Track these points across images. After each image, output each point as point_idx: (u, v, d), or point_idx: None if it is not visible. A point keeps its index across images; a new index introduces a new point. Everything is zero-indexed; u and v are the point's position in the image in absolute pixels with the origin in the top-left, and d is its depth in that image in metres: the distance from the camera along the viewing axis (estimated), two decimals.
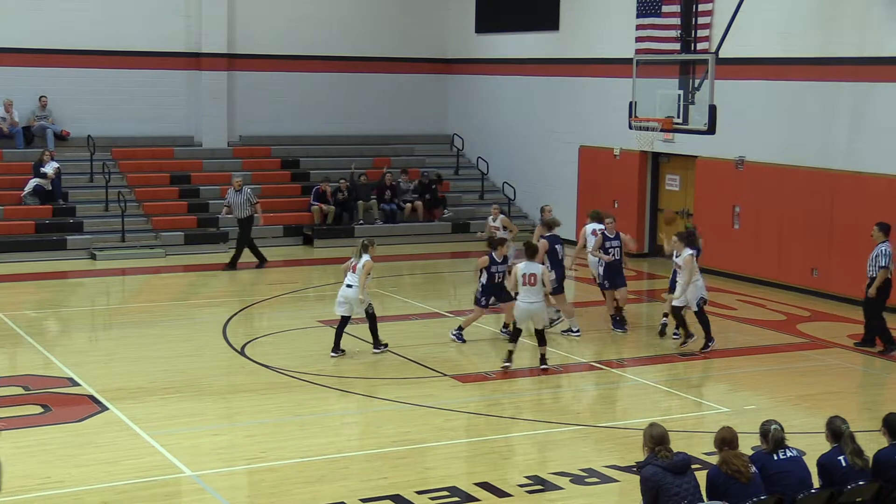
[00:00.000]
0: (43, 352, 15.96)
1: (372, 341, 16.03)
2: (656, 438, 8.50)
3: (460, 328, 16.88)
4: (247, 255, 22.83)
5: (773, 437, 8.84)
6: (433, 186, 27.47)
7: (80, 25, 26.46)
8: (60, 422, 12.72)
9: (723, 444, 8.65)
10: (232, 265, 22.73)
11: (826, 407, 13.27)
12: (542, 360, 15.22)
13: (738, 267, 22.15)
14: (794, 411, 13.58)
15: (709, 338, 16.32)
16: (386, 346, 16.18)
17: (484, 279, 16.51)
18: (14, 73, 25.93)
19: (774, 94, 21.51)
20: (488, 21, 29.20)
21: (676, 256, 16.26)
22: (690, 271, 16.04)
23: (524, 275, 14.89)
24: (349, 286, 15.76)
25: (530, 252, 15.19)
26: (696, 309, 16.28)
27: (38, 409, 13.22)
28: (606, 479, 11.18)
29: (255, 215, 22.85)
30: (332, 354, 15.76)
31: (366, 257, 15.73)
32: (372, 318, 15.99)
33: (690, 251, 16.04)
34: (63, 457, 11.53)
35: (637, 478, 8.75)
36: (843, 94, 20.23)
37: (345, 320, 15.94)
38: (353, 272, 15.74)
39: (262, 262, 22.99)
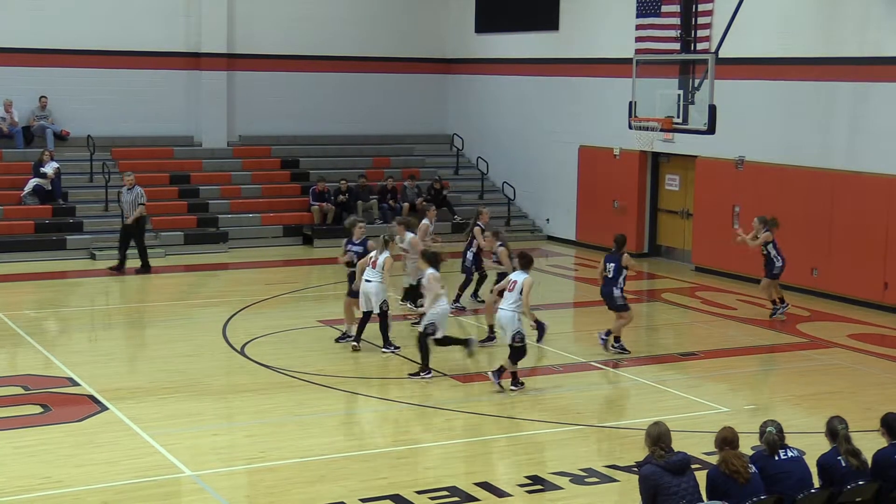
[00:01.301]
0: (43, 352, 15.95)
1: (382, 341, 15.99)
2: (653, 437, 8.50)
3: (617, 339, 16.23)
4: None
5: (766, 440, 8.84)
6: (443, 193, 27.39)
7: (80, 25, 26.45)
8: (60, 422, 12.71)
9: (724, 444, 8.64)
10: (119, 268, 22.01)
11: (826, 407, 13.27)
12: (514, 379, 14.23)
13: (738, 267, 22.14)
14: (794, 411, 13.58)
15: (424, 369, 14.73)
16: (397, 348, 16.03)
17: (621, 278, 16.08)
18: (14, 73, 25.93)
19: (774, 94, 21.51)
20: (488, 21, 29.19)
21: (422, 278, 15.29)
22: (433, 293, 14.67)
23: (511, 281, 14.23)
24: (368, 281, 15.73)
25: (524, 262, 14.38)
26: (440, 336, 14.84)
27: (38, 409, 13.21)
28: (606, 479, 11.18)
29: (143, 216, 22.22)
30: (353, 343, 16.14)
31: (386, 254, 15.70)
32: (383, 316, 15.87)
33: (431, 270, 14.75)
34: (63, 457, 11.53)
35: (637, 477, 8.75)
36: (842, 94, 20.23)
37: (367, 315, 15.97)
38: (373, 267, 15.70)
39: (145, 268, 22.11)
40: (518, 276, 14.18)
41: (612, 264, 16.11)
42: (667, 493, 8.25)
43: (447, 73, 30.46)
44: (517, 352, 14.07)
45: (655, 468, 8.35)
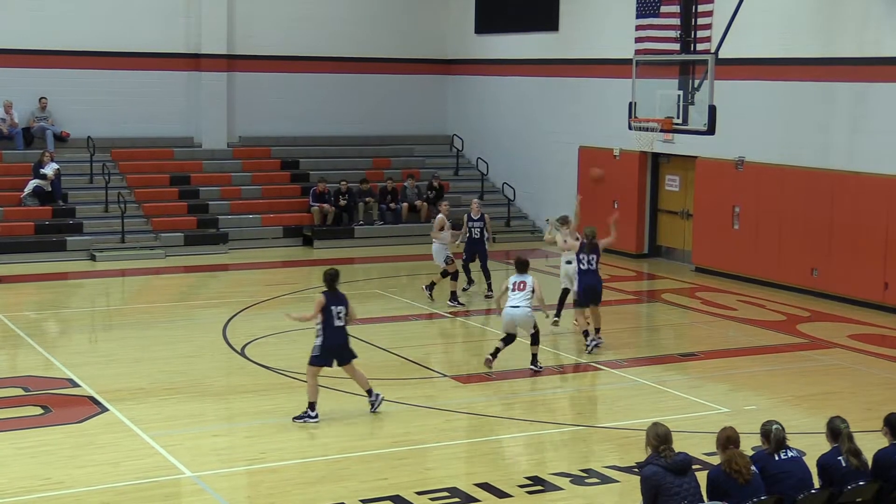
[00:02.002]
0: (43, 353, 15.96)
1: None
2: (661, 437, 8.46)
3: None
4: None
5: (774, 437, 8.82)
6: (443, 193, 27.42)
7: (80, 26, 26.46)
8: (61, 423, 12.72)
9: (728, 443, 8.63)
10: None
11: (826, 407, 13.28)
12: (534, 359, 15.17)
13: (738, 267, 22.15)
14: (794, 411, 13.58)
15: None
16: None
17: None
18: (14, 74, 25.94)
19: (774, 94, 21.51)
20: (488, 21, 29.20)
21: None
22: None
23: (514, 282, 14.99)
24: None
25: (521, 266, 15.20)
26: None
27: (39, 411, 13.22)
28: (606, 480, 11.18)
29: None
30: None
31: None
32: None
33: None
34: (63, 458, 11.53)
35: (637, 478, 8.75)
36: (842, 94, 20.23)
37: None
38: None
39: None
40: (524, 278, 15.01)
41: (594, 255, 16.38)
42: (668, 493, 8.25)
43: (447, 74, 30.47)
44: (537, 336, 15.19)
45: (657, 469, 8.33)
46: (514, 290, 14.95)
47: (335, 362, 12.97)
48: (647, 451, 8.53)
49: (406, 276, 22.91)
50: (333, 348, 12.87)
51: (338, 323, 12.78)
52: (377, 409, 13.17)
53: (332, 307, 12.75)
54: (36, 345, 16.42)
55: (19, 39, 25.99)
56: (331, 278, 12.92)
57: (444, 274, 19.68)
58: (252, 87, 28.25)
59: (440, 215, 19.95)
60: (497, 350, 15.14)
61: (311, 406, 12.86)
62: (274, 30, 28.38)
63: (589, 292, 16.43)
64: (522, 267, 15.19)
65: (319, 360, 12.86)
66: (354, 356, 13.10)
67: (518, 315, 14.90)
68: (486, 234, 20.06)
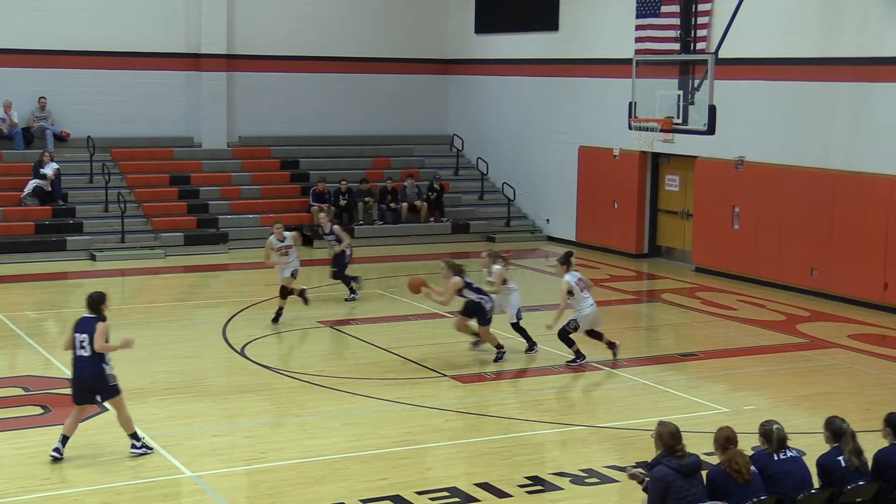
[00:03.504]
0: (43, 353, 15.95)
1: None
2: (675, 436, 8.44)
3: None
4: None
5: (776, 436, 8.81)
6: (444, 193, 27.43)
7: (80, 26, 26.46)
8: (60, 423, 12.65)
9: (728, 443, 8.62)
10: None
11: (826, 407, 13.27)
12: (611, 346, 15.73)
13: (738, 267, 22.15)
14: (794, 411, 13.58)
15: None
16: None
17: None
18: (13, 74, 25.94)
19: (774, 94, 21.51)
20: (488, 21, 29.20)
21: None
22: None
23: (577, 280, 15.29)
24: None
25: (568, 260, 15.49)
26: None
27: (38, 410, 13.22)
28: (606, 480, 11.18)
29: None
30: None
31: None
32: None
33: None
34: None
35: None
36: (843, 94, 20.23)
37: None
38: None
39: None
40: (579, 274, 15.61)
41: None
42: (676, 496, 8.21)
43: (447, 74, 30.47)
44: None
45: (669, 471, 8.29)
46: (582, 290, 15.28)
47: (97, 397, 11.45)
48: (658, 451, 8.50)
49: (406, 276, 22.82)
50: (75, 381, 11.39)
51: (80, 353, 11.29)
52: (136, 453, 11.53)
53: (76, 334, 11.30)
54: (36, 344, 16.42)
55: (19, 39, 25.99)
56: (89, 301, 11.56)
57: (284, 293, 18.22)
58: (252, 87, 28.25)
59: (270, 237, 18.46)
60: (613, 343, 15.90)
61: (62, 439, 11.35)
62: (274, 30, 28.37)
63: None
64: (568, 260, 15.48)
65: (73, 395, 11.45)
66: (113, 393, 11.43)
67: (597, 314, 15.50)
68: (341, 244, 19.32)
